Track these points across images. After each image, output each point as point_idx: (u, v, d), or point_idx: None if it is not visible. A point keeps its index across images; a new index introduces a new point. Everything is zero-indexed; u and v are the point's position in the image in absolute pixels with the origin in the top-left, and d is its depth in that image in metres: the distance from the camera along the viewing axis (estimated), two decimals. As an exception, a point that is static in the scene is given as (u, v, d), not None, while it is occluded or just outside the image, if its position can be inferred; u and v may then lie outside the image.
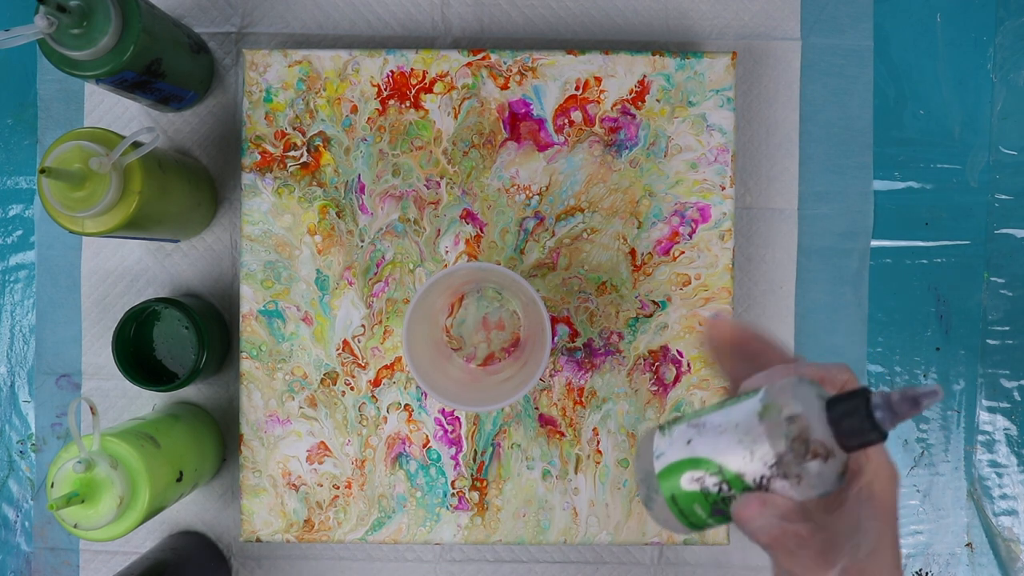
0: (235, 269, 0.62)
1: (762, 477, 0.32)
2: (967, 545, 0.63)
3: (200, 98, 0.61)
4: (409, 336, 0.50)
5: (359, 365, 0.58)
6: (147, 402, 0.62)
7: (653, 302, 0.58)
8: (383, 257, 0.58)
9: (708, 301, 0.58)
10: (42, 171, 0.45)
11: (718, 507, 0.34)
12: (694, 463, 0.34)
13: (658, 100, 0.57)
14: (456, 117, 0.57)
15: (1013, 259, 0.63)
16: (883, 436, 0.31)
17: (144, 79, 0.52)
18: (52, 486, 0.47)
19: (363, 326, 0.58)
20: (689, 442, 0.34)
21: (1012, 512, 0.63)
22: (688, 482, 0.34)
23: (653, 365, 0.58)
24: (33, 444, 0.63)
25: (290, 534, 0.57)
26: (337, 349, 0.57)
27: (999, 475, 0.63)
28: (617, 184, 0.58)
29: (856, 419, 0.31)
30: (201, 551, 0.60)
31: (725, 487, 0.33)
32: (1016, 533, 0.63)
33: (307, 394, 0.57)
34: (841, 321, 0.62)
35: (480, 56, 0.57)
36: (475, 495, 0.58)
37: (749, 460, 0.32)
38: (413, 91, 0.57)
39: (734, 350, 0.37)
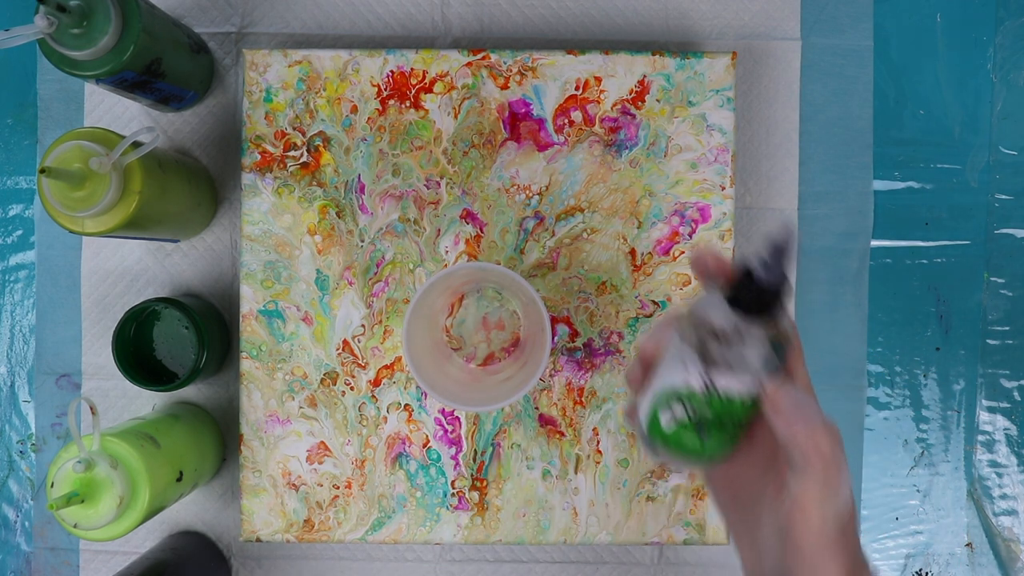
0: (235, 269, 0.62)
1: (703, 380, 0.35)
2: (967, 545, 0.63)
3: (200, 98, 0.61)
4: (409, 336, 0.50)
5: (359, 365, 0.57)
6: (147, 402, 0.62)
7: (653, 302, 0.58)
8: (383, 257, 0.58)
9: (708, 301, 0.58)
10: (42, 171, 0.45)
11: (702, 427, 0.36)
12: (657, 403, 0.37)
13: (658, 100, 0.57)
14: (456, 117, 0.57)
15: (1013, 259, 0.63)
16: (774, 290, 0.34)
17: (144, 79, 0.52)
18: (52, 486, 0.47)
19: (363, 326, 0.58)
20: (651, 391, 0.38)
21: (1012, 512, 0.63)
22: (666, 422, 0.36)
23: (653, 365, 0.58)
24: (33, 444, 0.63)
25: (290, 534, 0.57)
26: (337, 349, 0.57)
27: (999, 475, 0.63)
28: (617, 184, 0.58)
29: (746, 290, 0.34)
30: (201, 551, 0.60)
31: (689, 407, 0.36)
32: (1016, 533, 0.63)
33: (307, 394, 0.57)
34: (841, 321, 0.62)
35: (480, 56, 0.57)
36: (475, 495, 0.58)
37: (685, 371, 0.35)
38: (413, 91, 0.57)
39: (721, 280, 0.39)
